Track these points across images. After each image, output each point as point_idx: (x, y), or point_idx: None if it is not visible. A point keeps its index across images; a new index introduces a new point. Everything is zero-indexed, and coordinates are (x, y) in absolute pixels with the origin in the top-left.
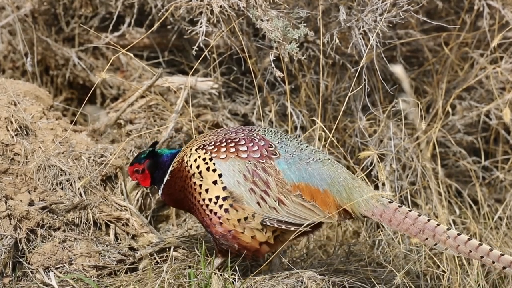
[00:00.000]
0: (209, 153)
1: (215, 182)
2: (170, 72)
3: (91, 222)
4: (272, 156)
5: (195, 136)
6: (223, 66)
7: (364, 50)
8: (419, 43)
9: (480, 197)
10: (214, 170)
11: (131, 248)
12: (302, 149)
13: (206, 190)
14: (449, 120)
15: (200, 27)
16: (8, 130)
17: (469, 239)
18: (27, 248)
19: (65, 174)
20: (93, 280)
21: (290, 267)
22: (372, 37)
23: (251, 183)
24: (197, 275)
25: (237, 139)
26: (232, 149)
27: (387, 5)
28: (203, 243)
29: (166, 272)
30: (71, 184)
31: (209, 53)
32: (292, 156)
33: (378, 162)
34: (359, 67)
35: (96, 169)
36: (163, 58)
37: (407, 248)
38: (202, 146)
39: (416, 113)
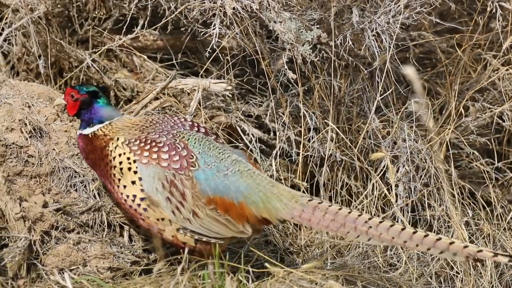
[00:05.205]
0: (133, 153)
1: (133, 182)
2: (184, 74)
3: (105, 223)
4: (191, 168)
5: (129, 117)
6: (237, 68)
7: (377, 51)
8: (432, 45)
9: (493, 198)
10: (135, 172)
11: (146, 250)
12: (222, 159)
13: (124, 186)
14: (462, 122)
15: (214, 29)
16: (22, 132)
17: (391, 226)
18: (41, 250)
19: (79, 176)
20: (108, 282)
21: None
22: (385, 38)
23: (168, 192)
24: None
25: (161, 144)
26: (154, 155)
27: (400, 7)
28: (217, 244)
29: (180, 274)
30: (85, 186)
31: (223, 55)
32: (211, 167)
33: (391, 162)
34: (372, 68)
35: None
36: (176, 60)
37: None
38: (128, 142)
39: (428, 114)
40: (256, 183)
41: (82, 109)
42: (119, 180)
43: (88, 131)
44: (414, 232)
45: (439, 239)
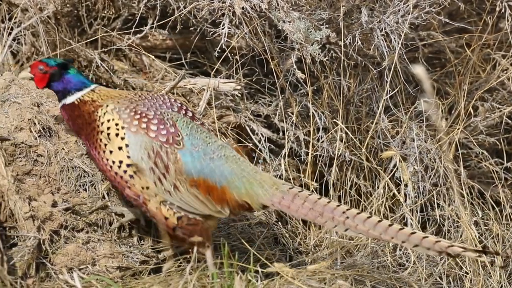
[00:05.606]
0: (122, 121)
1: (120, 148)
2: (193, 74)
3: (114, 223)
4: (176, 146)
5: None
6: (246, 67)
7: (386, 51)
8: (441, 45)
9: (503, 198)
10: (123, 138)
11: (155, 249)
12: (209, 143)
13: (111, 152)
14: (471, 122)
15: (223, 28)
16: (31, 131)
17: (368, 217)
18: (50, 249)
19: (88, 176)
20: (116, 281)
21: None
22: (394, 38)
23: (153, 163)
24: (220, 275)
25: (151, 116)
26: (144, 125)
27: (409, 7)
28: (226, 244)
29: (189, 273)
30: (94, 186)
31: (232, 54)
32: (198, 150)
33: (401, 161)
34: (381, 68)
35: None
36: (185, 59)
37: None
38: (118, 109)
39: (437, 114)
40: (240, 169)
41: (52, 81)
42: (105, 145)
43: (71, 99)
44: (390, 225)
45: (413, 233)
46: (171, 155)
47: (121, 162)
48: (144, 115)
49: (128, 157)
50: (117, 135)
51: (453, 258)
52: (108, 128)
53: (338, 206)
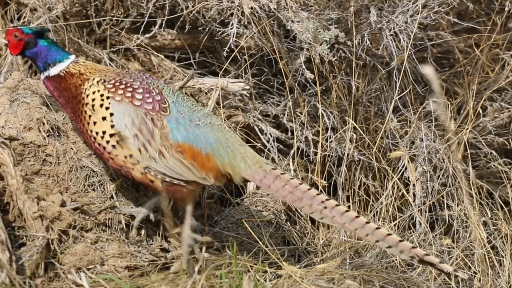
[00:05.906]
0: (107, 91)
1: (104, 118)
2: (202, 73)
3: (123, 223)
4: (163, 113)
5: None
6: (254, 67)
7: (395, 51)
8: (450, 45)
9: (511, 198)
10: (107, 108)
11: (163, 249)
12: (195, 111)
13: (94, 123)
14: (480, 122)
15: (231, 28)
16: (40, 131)
17: (346, 211)
18: (59, 249)
19: (97, 175)
20: (125, 281)
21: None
22: (403, 38)
23: (137, 129)
24: (229, 275)
25: (137, 86)
26: (128, 94)
27: (418, 7)
28: (234, 244)
29: (198, 273)
30: (103, 186)
31: (240, 54)
32: (184, 116)
33: (409, 162)
34: (390, 68)
35: None
36: (194, 59)
37: (438, 249)
38: (103, 81)
39: (446, 114)
40: (225, 138)
41: (26, 49)
42: (90, 116)
43: (55, 71)
44: (367, 222)
45: (390, 234)
46: (158, 121)
47: (104, 132)
48: (129, 85)
49: (112, 126)
50: (101, 105)
51: (424, 264)
52: (93, 100)
53: (318, 194)
